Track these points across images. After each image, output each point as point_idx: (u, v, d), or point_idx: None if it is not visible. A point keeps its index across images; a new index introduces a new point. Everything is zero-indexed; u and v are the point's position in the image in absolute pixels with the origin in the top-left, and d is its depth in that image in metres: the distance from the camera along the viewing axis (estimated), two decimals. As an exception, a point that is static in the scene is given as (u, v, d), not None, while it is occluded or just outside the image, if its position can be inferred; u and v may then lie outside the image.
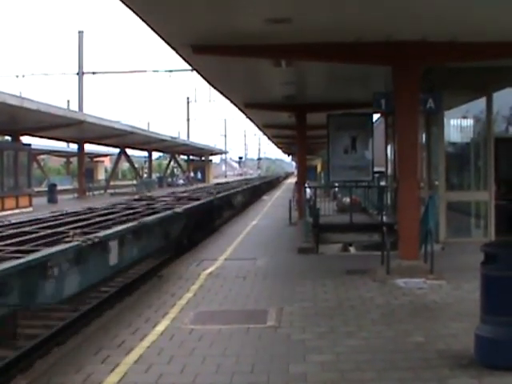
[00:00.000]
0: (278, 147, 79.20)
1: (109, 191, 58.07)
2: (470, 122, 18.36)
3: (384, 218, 19.19)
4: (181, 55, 14.40)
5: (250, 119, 35.06)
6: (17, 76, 72.58)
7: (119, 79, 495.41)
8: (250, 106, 25.42)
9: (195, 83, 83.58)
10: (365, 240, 19.13)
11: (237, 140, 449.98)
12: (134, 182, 70.57)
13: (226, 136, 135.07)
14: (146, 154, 78.20)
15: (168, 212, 17.70)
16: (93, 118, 41.70)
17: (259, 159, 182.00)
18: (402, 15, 11.35)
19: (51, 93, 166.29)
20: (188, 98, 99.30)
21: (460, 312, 9.54)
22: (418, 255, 13.17)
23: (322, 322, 9.17)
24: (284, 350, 7.82)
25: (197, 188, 42.14)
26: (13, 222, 15.20)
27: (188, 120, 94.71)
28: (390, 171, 23.64)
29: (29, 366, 9.07)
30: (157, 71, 51.90)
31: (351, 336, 8.40)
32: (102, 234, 12.16)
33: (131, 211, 18.09)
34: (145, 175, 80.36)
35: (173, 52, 13.91)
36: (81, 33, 49.97)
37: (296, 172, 48.72)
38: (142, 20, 11.26)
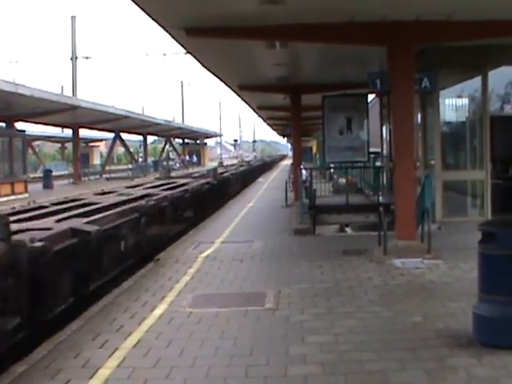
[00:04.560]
0: (273, 129, 79.02)
1: (104, 176, 57.95)
2: (465, 101, 18.30)
3: (380, 199, 19.15)
4: (174, 38, 14.29)
5: (245, 101, 34.96)
6: (10, 62, 72.42)
7: (113, 64, 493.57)
8: (244, 88, 25.31)
9: (189, 66, 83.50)
10: (361, 221, 19.10)
11: (231, 123, 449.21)
12: (130, 166, 70.50)
13: (220, 119, 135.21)
14: (140, 138, 78.06)
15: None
16: (87, 103, 41.55)
17: (254, 142, 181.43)
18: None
19: (45, 79, 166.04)
20: (182, 82, 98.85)
21: (458, 291, 9.54)
22: (414, 235, 13.17)
23: (319, 304, 9.18)
24: (282, 332, 7.83)
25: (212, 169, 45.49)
26: (127, 186, 23.31)
27: (182, 103, 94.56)
28: (385, 151, 23.60)
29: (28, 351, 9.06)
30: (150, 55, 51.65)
31: (349, 317, 8.40)
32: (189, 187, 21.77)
33: (175, 184, 23.99)
34: (140, 159, 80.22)
35: (166, 35, 13.82)
36: (73, 17, 49.78)
37: (291, 154, 48.63)
38: (135, 3, 11.15)
